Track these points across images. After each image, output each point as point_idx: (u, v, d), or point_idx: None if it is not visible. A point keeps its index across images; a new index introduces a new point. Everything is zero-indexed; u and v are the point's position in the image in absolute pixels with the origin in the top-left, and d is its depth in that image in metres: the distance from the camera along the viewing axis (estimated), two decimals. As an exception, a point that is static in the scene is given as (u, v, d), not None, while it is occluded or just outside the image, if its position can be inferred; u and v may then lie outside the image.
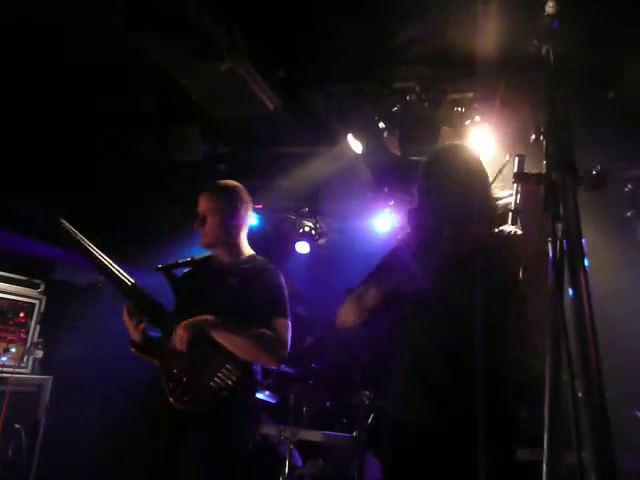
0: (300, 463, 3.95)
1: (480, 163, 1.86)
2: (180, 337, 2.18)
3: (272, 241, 5.47)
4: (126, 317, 2.34)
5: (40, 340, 4.05)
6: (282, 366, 4.18)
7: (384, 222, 4.77)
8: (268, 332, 2.25)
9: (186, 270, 2.54)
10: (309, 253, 5.29)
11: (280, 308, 2.35)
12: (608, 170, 0.98)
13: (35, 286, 4.07)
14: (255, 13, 2.92)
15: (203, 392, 2.19)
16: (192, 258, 2.53)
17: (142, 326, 2.31)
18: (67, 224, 2.31)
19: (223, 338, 2.21)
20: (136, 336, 2.31)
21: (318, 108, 3.78)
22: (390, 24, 2.97)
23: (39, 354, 4.02)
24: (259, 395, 3.90)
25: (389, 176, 4.49)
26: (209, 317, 2.23)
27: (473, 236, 1.70)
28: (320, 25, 3.04)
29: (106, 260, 2.36)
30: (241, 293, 2.33)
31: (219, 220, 2.41)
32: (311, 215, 5.30)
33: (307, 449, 4.03)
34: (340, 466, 3.97)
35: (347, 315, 1.99)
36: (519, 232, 1.74)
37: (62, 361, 4.19)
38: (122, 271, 2.38)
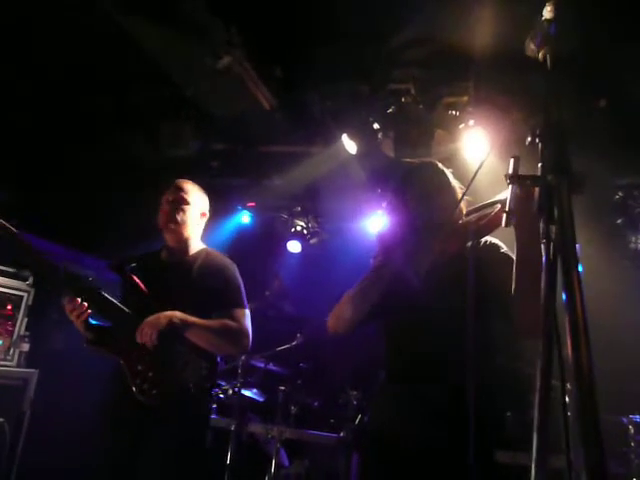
0: (287, 462, 3.94)
1: (449, 178, 1.91)
2: (148, 334, 2.15)
3: (264, 239, 5.47)
4: (68, 308, 2.23)
5: (27, 333, 4.00)
6: (270, 365, 4.18)
7: (377, 223, 4.77)
8: (230, 322, 2.29)
9: (135, 265, 2.43)
10: (301, 252, 5.29)
11: (237, 298, 2.38)
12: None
13: (23, 278, 4.02)
14: (253, 11, 2.91)
15: (172, 384, 2.19)
16: (142, 254, 2.51)
17: (86, 315, 2.22)
18: None
19: (190, 332, 2.22)
20: (80, 325, 2.23)
21: (313, 108, 3.77)
22: (387, 26, 2.98)
23: (25, 347, 3.98)
24: (247, 392, 3.89)
25: (383, 177, 4.49)
26: (176, 314, 2.20)
27: (441, 245, 1.77)
28: (317, 25, 3.03)
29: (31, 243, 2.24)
30: (198, 288, 2.33)
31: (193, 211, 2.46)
32: (304, 214, 5.30)
33: (294, 448, 4.02)
34: (327, 466, 3.97)
35: (343, 313, 1.82)
36: (493, 241, 1.78)
37: (49, 355, 4.14)
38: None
